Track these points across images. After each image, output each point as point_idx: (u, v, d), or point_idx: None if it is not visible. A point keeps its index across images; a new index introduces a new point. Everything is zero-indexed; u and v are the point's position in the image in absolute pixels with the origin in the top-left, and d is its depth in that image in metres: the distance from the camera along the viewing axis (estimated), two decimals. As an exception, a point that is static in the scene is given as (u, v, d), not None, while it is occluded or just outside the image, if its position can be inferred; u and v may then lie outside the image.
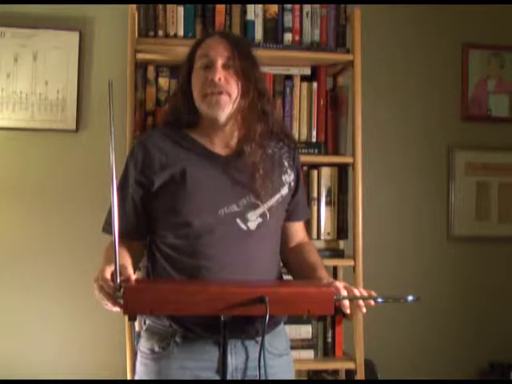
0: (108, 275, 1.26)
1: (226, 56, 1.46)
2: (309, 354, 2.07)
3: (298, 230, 1.63)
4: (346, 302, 1.29)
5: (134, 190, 1.48)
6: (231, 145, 1.52)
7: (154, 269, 1.51)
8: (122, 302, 1.21)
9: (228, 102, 1.46)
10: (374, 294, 1.30)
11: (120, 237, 1.21)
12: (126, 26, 1.97)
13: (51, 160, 2.34)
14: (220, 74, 1.44)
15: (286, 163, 1.56)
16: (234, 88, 1.46)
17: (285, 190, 1.53)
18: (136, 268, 1.49)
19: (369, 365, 2.19)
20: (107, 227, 1.50)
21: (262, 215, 1.46)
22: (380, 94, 2.53)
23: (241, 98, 1.47)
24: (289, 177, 1.55)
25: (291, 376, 1.55)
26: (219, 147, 1.51)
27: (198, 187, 1.44)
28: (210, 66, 1.47)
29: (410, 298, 1.27)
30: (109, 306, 1.26)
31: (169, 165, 1.46)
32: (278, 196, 1.50)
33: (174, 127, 1.55)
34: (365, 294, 1.30)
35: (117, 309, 1.25)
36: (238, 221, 1.44)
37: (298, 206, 1.60)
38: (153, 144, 1.50)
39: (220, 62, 1.46)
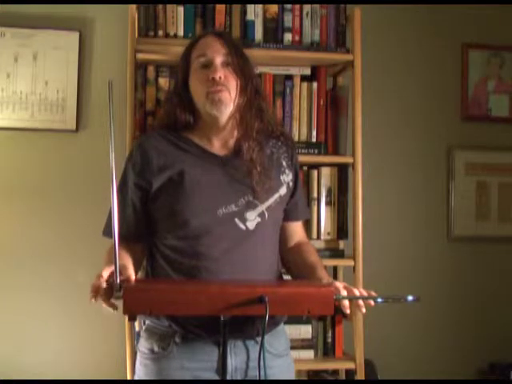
0: (105, 273, 1.25)
1: (223, 54, 1.48)
2: (309, 353, 2.07)
3: (296, 230, 1.63)
4: (346, 302, 1.29)
5: (133, 193, 1.49)
6: (229, 145, 1.52)
7: (153, 269, 1.51)
8: (115, 301, 1.21)
9: (229, 99, 1.47)
10: (373, 293, 1.30)
11: (120, 239, 1.21)
12: (126, 26, 1.97)
13: (51, 160, 2.34)
14: (220, 73, 1.45)
15: (284, 163, 1.56)
16: (233, 85, 1.47)
17: (283, 190, 1.53)
18: (138, 270, 1.49)
19: (369, 365, 2.19)
20: (107, 231, 1.50)
21: (261, 215, 1.46)
22: (380, 94, 2.53)
23: (239, 96, 1.49)
24: (287, 177, 1.55)
25: (291, 376, 1.55)
26: (217, 147, 1.51)
27: (197, 188, 1.44)
28: (208, 65, 1.47)
29: (410, 298, 1.27)
30: (103, 306, 1.25)
31: (167, 166, 1.46)
32: (276, 196, 1.50)
33: (172, 129, 1.55)
34: (365, 293, 1.30)
35: (110, 310, 1.24)
36: (237, 221, 1.44)
37: (296, 205, 1.60)
38: (151, 146, 1.50)
39: (219, 60, 1.47)
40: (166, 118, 1.60)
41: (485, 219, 2.65)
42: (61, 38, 2.32)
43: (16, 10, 2.31)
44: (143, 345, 1.49)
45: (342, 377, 2.15)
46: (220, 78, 1.45)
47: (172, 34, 1.99)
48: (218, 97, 1.45)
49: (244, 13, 2.03)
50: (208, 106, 1.47)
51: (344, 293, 1.29)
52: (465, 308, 2.62)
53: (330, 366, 2.13)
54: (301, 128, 2.07)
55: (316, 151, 2.07)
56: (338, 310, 1.30)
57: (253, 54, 1.63)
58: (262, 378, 1.25)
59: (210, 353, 1.41)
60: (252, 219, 1.45)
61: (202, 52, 1.49)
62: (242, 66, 1.49)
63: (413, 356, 2.54)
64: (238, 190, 1.46)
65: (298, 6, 2.06)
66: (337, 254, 2.10)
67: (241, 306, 1.18)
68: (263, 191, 1.46)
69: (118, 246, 1.19)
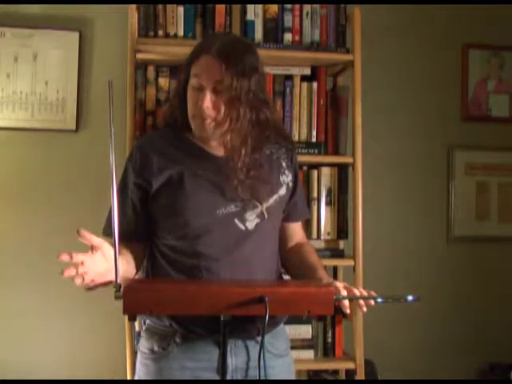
0: (79, 256, 1.20)
1: (217, 81, 1.40)
2: (309, 353, 2.07)
3: (296, 230, 1.63)
4: (346, 302, 1.29)
5: (133, 193, 1.48)
6: (228, 145, 1.50)
7: (153, 269, 1.51)
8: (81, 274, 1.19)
9: (214, 127, 1.43)
10: (373, 293, 1.30)
11: (120, 239, 1.21)
12: (125, 26, 1.97)
13: (51, 160, 2.34)
14: (208, 103, 1.40)
15: (283, 164, 1.56)
16: (221, 113, 1.42)
17: (283, 191, 1.53)
18: (138, 269, 1.49)
19: (369, 365, 2.19)
20: (107, 230, 1.49)
21: (260, 215, 1.46)
22: (380, 94, 2.53)
23: (230, 123, 1.43)
24: (287, 177, 1.55)
25: (291, 376, 1.55)
26: (216, 148, 1.50)
27: (196, 188, 1.44)
28: (200, 89, 1.42)
29: (410, 298, 1.27)
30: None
31: (167, 167, 1.46)
32: (275, 196, 1.50)
33: (172, 129, 1.55)
34: (365, 293, 1.30)
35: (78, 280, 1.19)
36: (236, 221, 1.44)
37: (296, 206, 1.60)
38: (151, 146, 1.50)
39: (210, 88, 1.40)
40: (168, 116, 1.59)
41: (485, 219, 2.65)
42: (61, 37, 2.33)
43: (16, 9, 2.32)
44: (143, 345, 1.49)
45: (342, 377, 2.15)
46: (207, 107, 1.40)
47: (172, 33, 2.00)
48: (202, 124, 1.43)
49: (244, 13, 2.03)
50: (193, 127, 1.46)
51: (344, 293, 1.29)
52: (465, 308, 2.62)
53: (330, 366, 2.13)
54: (301, 128, 2.07)
55: (316, 151, 2.07)
56: (338, 310, 1.31)
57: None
58: (262, 378, 1.25)
59: (211, 353, 1.41)
60: (251, 219, 1.45)
61: (198, 73, 1.43)
62: (237, 91, 1.40)
63: (413, 356, 2.54)
64: (237, 190, 1.45)
65: (297, 6, 2.06)
66: (337, 254, 2.10)
67: (241, 306, 1.18)
68: (261, 195, 1.46)
69: (118, 245, 1.19)
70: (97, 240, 1.23)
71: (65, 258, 1.17)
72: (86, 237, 1.22)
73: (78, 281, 1.19)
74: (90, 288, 1.24)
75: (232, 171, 1.45)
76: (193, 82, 1.44)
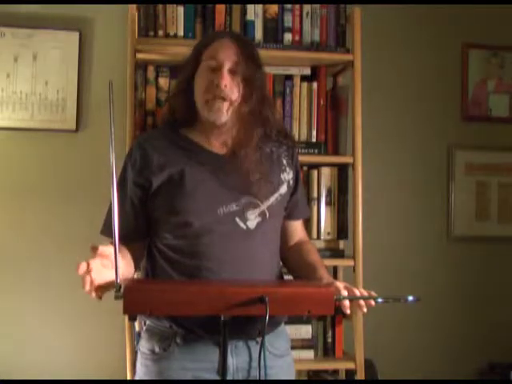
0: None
1: (233, 61, 1.45)
2: (309, 353, 2.07)
3: (297, 228, 1.63)
4: (346, 302, 1.29)
5: (133, 192, 1.48)
6: (228, 144, 1.51)
7: (153, 269, 1.51)
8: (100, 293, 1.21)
9: (229, 108, 1.45)
10: (373, 294, 1.30)
11: (120, 238, 1.20)
12: (125, 26, 1.97)
13: (51, 160, 2.34)
14: (226, 80, 1.43)
15: (284, 161, 1.56)
16: (236, 94, 1.45)
17: (284, 189, 1.53)
18: (136, 268, 1.49)
19: (369, 365, 2.19)
20: (106, 230, 1.48)
21: (262, 214, 1.46)
22: (380, 94, 2.53)
23: (241, 105, 1.46)
24: (288, 175, 1.55)
25: (292, 376, 1.55)
26: (217, 146, 1.51)
27: (197, 187, 1.44)
28: (216, 70, 1.45)
29: (410, 298, 1.27)
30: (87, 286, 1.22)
31: (167, 165, 1.46)
32: (276, 195, 1.50)
33: (172, 127, 1.55)
34: (365, 293, 1.30)
35: (87, 287, 1.22)
36: (238, 220, 1.44)
37: (297, 204, 1.60)
38: (150, 145, 1.50)
39: (227, 67, 1.45)
40: (168, 115, 1.60)
41: (485, 219, 2.65)
42: (61, 37, 2.32)
43: (16, 10, 2.31)
44: (144, 345, 1.49)
45: (342, 377, 2.15)
46: (225, 86, 1.43)
47: (172, 34, 2.00)
48: (218, 106, 1.44)
49: (244, 13, 2.03)
50: (206, 113, 1.46)
51: (344, 293, 1.29)
52: (465, 308, 2.62)
53: (330, 365, 2.13)
54: (301, 128, 2.07)
55: (316, 151, 2.07)
56: (338, 310, 1.30)
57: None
58: (263, 378, 1.25)
59: (211, 353, 1.41)
60: (253, 218, 1.45)
61: (214, 55, 1.46)
62: (250, 75, 1.46)
63: (413, 356, 2.54)
64: (239, 189, 1.46)
65: (298, 6, 2.06)
66: (337, 254, 2.10)
67: (241, 306, 1.18)
68: (263, 191, 1.46)
69: (118, 245, 1.19)
70: (108, 250, 1.22)
71: (83, 267, 1.21)
72: (99, 252, 1.21)
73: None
74: (100, 297, 1.24)
75: (237, 170, 1.45)
76: (206, 64, 1.47)
